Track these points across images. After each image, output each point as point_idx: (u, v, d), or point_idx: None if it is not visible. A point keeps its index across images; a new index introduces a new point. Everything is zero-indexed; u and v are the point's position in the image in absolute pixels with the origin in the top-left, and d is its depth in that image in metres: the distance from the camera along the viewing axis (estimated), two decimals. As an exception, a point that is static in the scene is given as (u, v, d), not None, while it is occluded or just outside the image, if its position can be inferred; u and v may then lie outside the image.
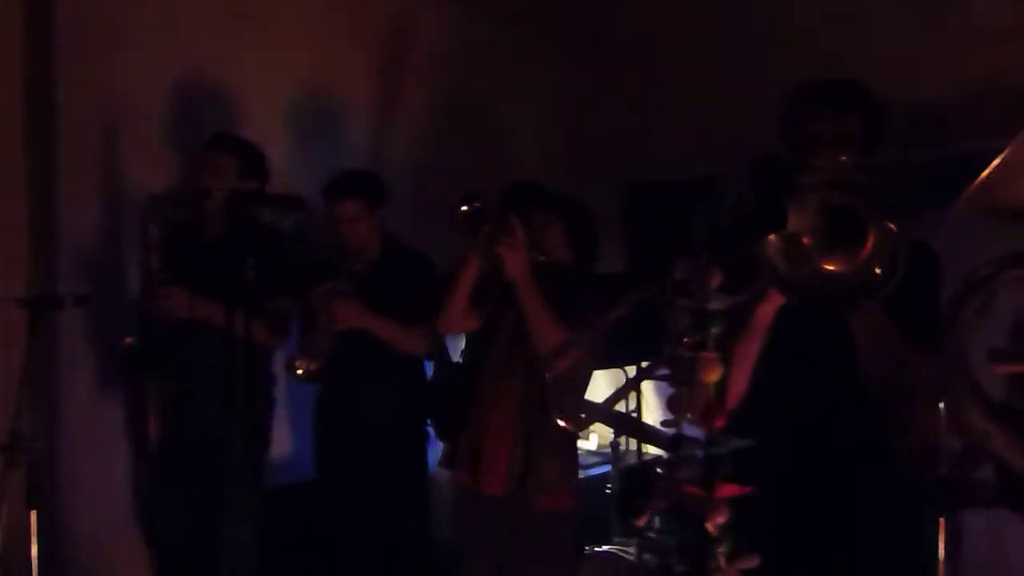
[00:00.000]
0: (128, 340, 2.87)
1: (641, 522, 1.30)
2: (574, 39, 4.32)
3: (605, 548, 2.80)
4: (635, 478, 1.30)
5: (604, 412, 2.85)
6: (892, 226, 1.43)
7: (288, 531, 3.19)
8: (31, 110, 3.10)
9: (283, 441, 3.48)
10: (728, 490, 1.24)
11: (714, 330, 1.28)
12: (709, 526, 1.25)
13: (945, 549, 2.48)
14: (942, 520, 2.47)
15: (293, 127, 3.61)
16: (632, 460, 3.12)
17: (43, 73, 3.09)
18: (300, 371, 2.94)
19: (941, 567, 2.47)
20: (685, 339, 1.29)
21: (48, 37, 3.08)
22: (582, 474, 3.40)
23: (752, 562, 1.25)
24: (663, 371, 1.32)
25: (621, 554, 2.72)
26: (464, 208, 2.59)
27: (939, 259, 1.78)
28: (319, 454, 3.24)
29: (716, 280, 1.29)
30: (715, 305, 1.28)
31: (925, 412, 1.89)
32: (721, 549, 1.26)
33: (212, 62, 3.38)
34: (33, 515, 2.44)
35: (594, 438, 3.87)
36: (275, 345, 3.05)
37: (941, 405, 2.63)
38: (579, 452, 3.64)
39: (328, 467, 3.22)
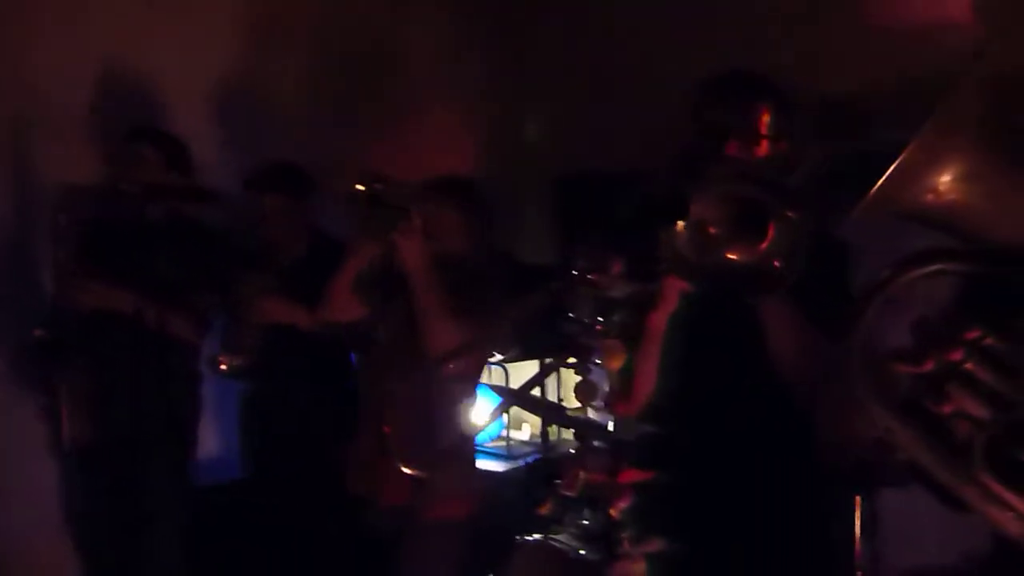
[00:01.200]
0: (37, 333, 2.78)
1: (543, 510, 1.31)
2: (500, 30, 4.31)
3: (535, 537, 2.82)
4: (543, 468, 1.31)
5: (520, 399, 2.81)
6: (792, 215, 1.45)
7: (220, 531, 3.13)
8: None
9: (213, 440, 3.42)
10: (631, 476, 1.25)
11: (617, 317, 1.29)
12: (612, 511, 1.26)
13: (861, 527, 2.55)
14: (858, 499, 2.55)
15: (216, 118, 3.54)
16: (564, 449, 3.16)
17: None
18: (224, 367, 2.89)
19: (858, 545, 2.54)
20: (589, 326, 1.29)
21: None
22: (514, 464, 3.44)
23: (656, 545, 1.27)
24: (570, 359, 1.32)
25: (552, 543, 2.74)
26: (360, 188, 2.42)
27: (847, 251, 1.81)
28: (247, 452, 3.19)
29: (617, 268, 1.29)
30: (617, 292, 1.28)
31: (841, 396, 1.93)
32: (625, 533, 1.27)
33: (128, 52, 3.29)
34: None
35: (526, 428, 3.88)
36: (194, 340, 2.98)
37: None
38: (512, 443, 3.69)
39: (258, 465, 3.17)
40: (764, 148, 1.81)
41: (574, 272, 1.26)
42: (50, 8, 3.10)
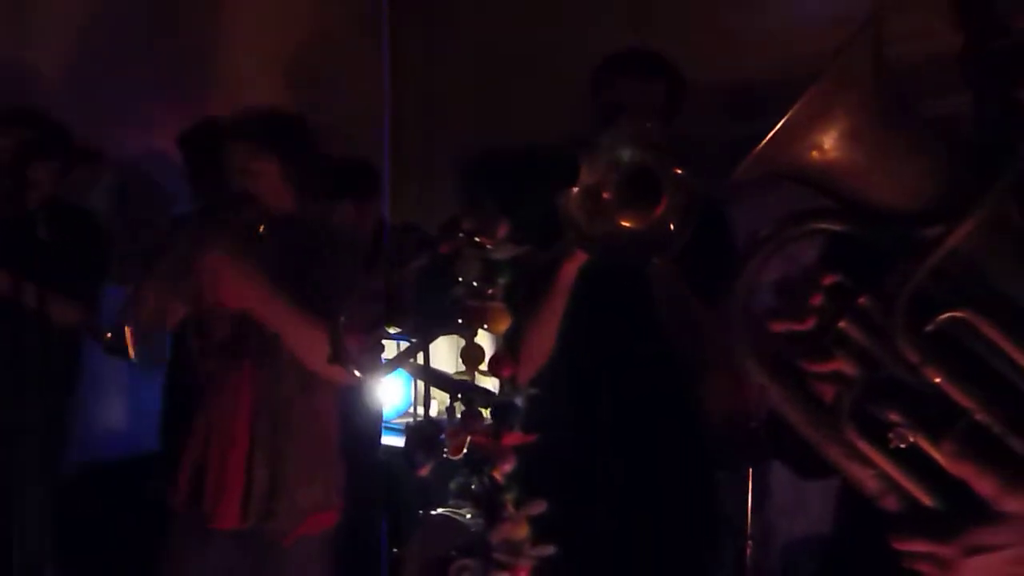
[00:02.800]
0: None
1: (423, 472, 1.30)
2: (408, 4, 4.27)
3: (439, 511, 2.81)
4: (423, 431, 1.29)
5: (399, 367, 2.74)
6: (683, 182, 1.47)
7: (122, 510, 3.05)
8: None
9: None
10: (514, 439, 1.25)
11: (503, 280, 1.28)
12: (496, 474, 1.26)
13: (753, 500, 2.63)
14: (751, 472, 2.63)
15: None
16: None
17: None
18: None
19: (749, 517, 2.63)
20: (475, 289, 1.29)
21: None
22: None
23: (539, 507, 1.27)
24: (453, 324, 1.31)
25: (454, 516, 2.74)
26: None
27: (728, 219, 1.85)
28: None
29: (503, 229, 1.29)
30: (503, 254, 1.28)
31: (730, 367, 1.97)
32: (509, 496, 1.27)
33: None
34: None
35: (434, 404, 3.87)
36: (75, 324, 2.86)
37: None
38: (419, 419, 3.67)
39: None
40: (650, 121, 1.83)
41: (460, 234, 1.24)
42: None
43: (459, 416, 1.28)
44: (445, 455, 1.27)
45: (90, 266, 2.87)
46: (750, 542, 2.66)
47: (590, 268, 1.66)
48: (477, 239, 1.25)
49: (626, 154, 1.47)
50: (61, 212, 2.83)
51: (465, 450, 1.30)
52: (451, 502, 2.82)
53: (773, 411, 1.05)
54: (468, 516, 2.42)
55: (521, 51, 3.86)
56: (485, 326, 1.26)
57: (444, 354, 3.53)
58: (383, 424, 3.42)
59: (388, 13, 4.25)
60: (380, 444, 3.40)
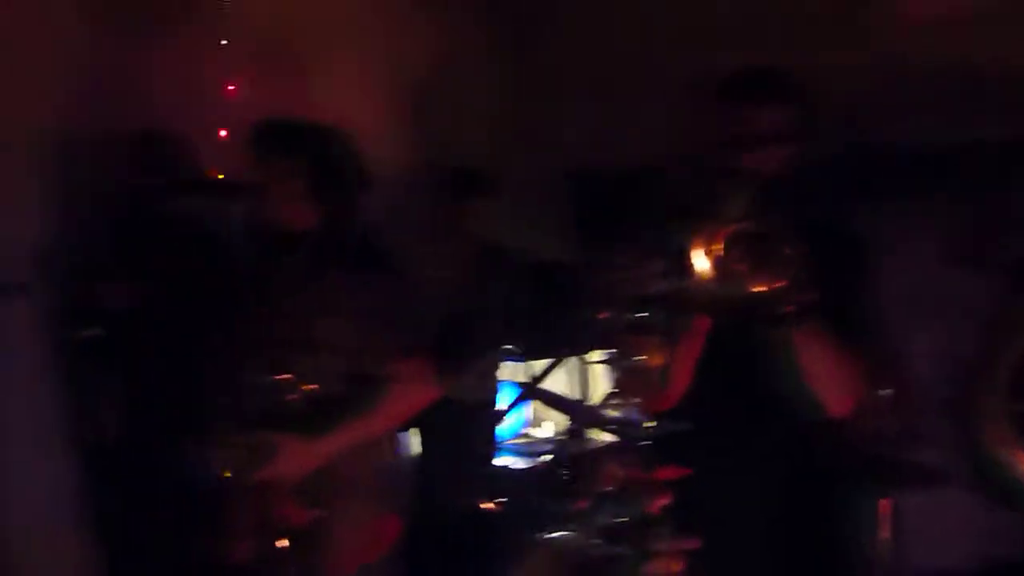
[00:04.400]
0: (81, 333, 2.81)
1: (582, 505, 1.31)
2: (516, 24, 4.30)
3: (553, 535, 2.81)
4: (576, 464, 1.30)
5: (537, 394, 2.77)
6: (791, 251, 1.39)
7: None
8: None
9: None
10: (668, 473, 1.25)
11: (656, 314, 1.28)
12: (651, 508, 1.25)
13: (882, 529, 2.55)
14: (880, 501, 2.55)
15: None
16: (585, 446, 3.14)
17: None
18: None
19: (882, 546, 2.54)
20: (628, 323, 1.29)
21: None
22: (536, 461, 3.43)
23: (694, 543, 1.27)
24: (609, 355, 1.32)
25: (569, 541, 2.73)
26: None
27: (865, 250, 1.77)
28: None
29: (659, 265, 1.29)
30: (656, 289, 1.28)
31: (869, 403, 1.92)
32: (664, 530, 1.27)
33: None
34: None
35: (548, 426, 3.88)
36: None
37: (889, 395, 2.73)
38: (533, 440, 3.68)
39: None
40: (777, 150, 1.72)
41: (615, 267, 1.25)
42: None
43: (610, 448, 1.28)
44: (598, 487, 1.27)
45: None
46: (883, 572, 2.58)
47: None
48: (632, 273, 1.25)
49: (745, 220, 1.39)
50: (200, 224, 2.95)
51: (616, 483, 1.30)
52: (569, 525, 2.81)
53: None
54: (590, 541, 2.41)
55: (633, 72, 3.86)
56: (642, 358, 1.26)
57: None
58: (499, 444, 3.44)
59: (497, 36, 4.31)
60: (493, 464, 3.42)
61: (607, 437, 1.75)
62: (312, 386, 2.14)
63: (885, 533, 2.53)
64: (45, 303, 3.01)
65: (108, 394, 2.83)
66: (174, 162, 2.91)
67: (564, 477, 1.38)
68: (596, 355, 1.67)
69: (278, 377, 2.14)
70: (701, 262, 1.33)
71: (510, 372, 3.45)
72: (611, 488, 1.25)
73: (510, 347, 3.30)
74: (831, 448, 1.92)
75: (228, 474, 2.16)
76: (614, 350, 1.28)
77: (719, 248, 1.34)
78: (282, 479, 2.09)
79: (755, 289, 1.37)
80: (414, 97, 4.00)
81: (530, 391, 3.05)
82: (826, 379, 1.63)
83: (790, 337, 1.54)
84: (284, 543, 2.11)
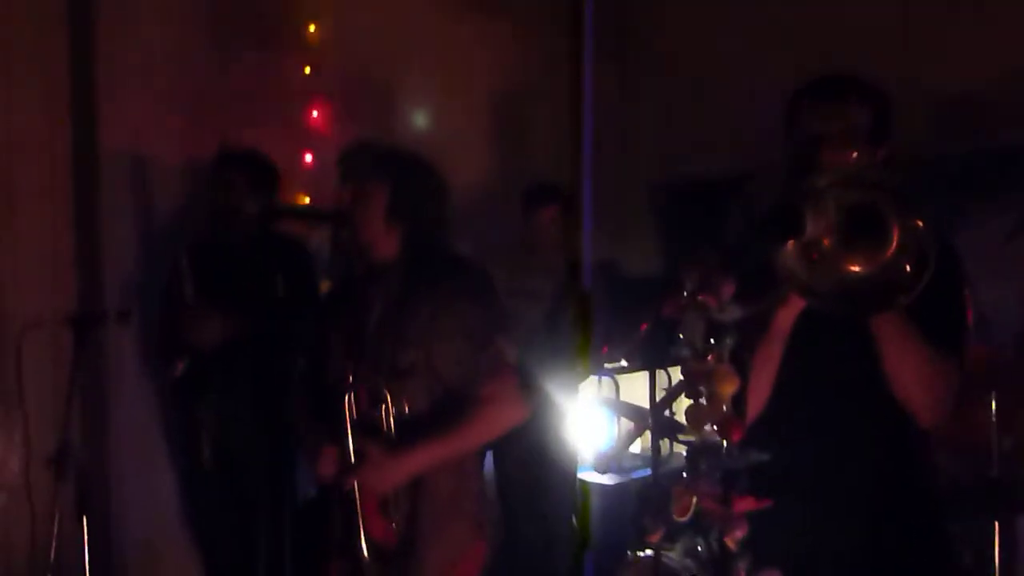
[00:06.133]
0: (178, 367, 2.89)
1: (654, 539, 1.28)
2: (600, 36, 4.28)
3: (648, 553, 2.76)
4: (651, 492, 1.27)
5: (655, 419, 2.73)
6: (919, 222, 1.38)
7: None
8: (75, 130, 3.19)
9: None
10: (746, 504, 1.21)
11: (729, 341, 1.25)
12: (728, 541, 1.22)
13: (1000, 554, 2.40)
14: (996, 525, 2.40)
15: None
16: (674, 464, 3.08)
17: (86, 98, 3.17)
18: None
19: (997, 573, 2.39)
20: (700, 350, 1.26)
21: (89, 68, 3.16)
22: (624, 478, 3.39)
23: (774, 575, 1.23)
24: (679, 384, 1.29)
25: (663, 559, 2.69)
26: None
27: (960, 259, 1.71)
28: None
29: (730, 290, 1.26)
30: (729, 316, 1.25)
31: (968, 414, 1.82)
32: (742, 564, 1.23)
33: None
34: (84, 522, 2.50)
35: (637, 441, 3.83)
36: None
37: (992, 404, 2.56)
38: (623, 457, 3.62)
39: None
40: (862, 153, 1.71)
41: (684, 293, 1.23)
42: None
43: (686, 476, 1.26)
44: (674, 517, 1.24)
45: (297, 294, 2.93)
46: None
47: (806, 315, 1.58)
48: (701, 299, 1.22)
49: (849, 196, 1.39)
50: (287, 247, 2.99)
51: (692, 512, 1.27)
52: (659, 544, 2.77)
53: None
54: (678, 560, 2.36)
55: (717, 82, 3.80)
56: (713, 388, 1.23)
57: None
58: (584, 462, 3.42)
59: (588, 49, 4.31)
60: (576, 480, 3.39)
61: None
62: (402, 406, 2.15)
63: (1000, 565, 2.39)
64: (144, 331, 3.15)
65: (202, 421, 2.91)
66: (262, 188, 2.96)
67: (641, 507, 1.35)
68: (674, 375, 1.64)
69: (368, 397, 2.17)
70: (788, 248, 1.32)
71: (598, 388, 3.42)
72: (685, 519, 1.22)
73: (594, 362, 3.28)
74: (933, 468, 1.83)
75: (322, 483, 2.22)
76: (684, 379, 1.25)
77: (813, 229, 1.32)
78: (370, 490, 2.12)
79: (856, 269, 1.36)
80: (501, 114, 4.04)
81: (619, 407, 3.02)
82: (911, 378, 1.57)
83: (881, 331, 1.50)
84: (371, 559, 2.14)
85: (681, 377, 1.30)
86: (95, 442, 3.15)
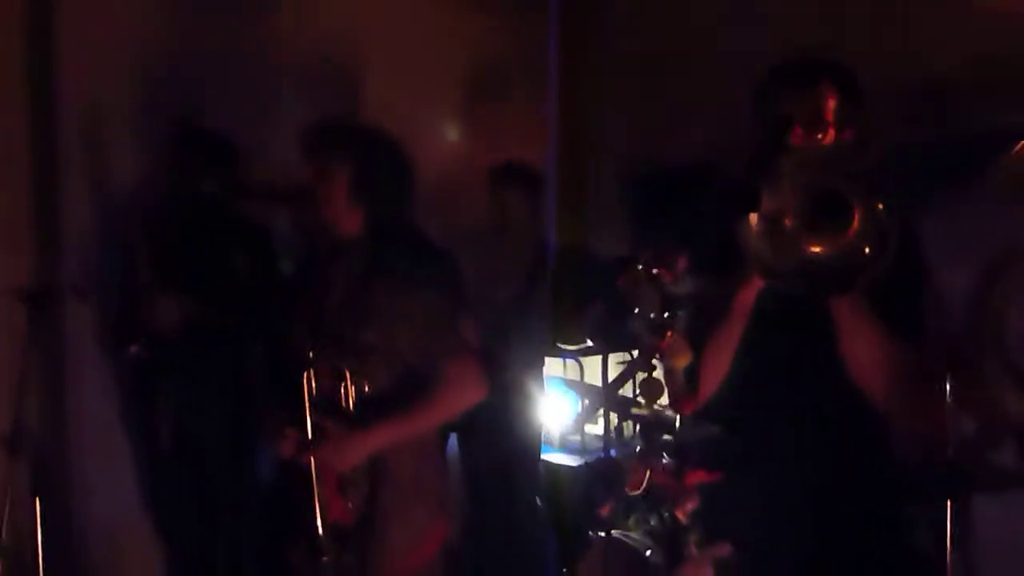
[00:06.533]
0: (132, 350, 2.84)
1: (604, 511, 1.29)
2: (571, 23, 4.27)
3: (611, 534, 2.78)
4: (603, 467, 1.28)
5: (608, 398, 2.77)
6: (880, 205, 1.39)
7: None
8: (32, 104, 3.12)
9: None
10: (697, 477, 1.21)
11: (682, 313, 1.25)
12: (679, 513, 1.22)
13: (952, 538, 2.41)
14: (950, 506, 2.41)
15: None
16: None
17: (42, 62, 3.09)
18: None
19: (949, 556, 2.40)
20: (655, 324, 1.26)
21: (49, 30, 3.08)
22: (588, 458, 3.40)
23: (724, 550, 1.23)
24: (633, 356, 1.29)
25: (624, 540, 2.70)
26: None
27: (921, 243, 1.72)
28: None
29: (683, 262, 1.26)
30: (683, 288, 1.25)
31: (923, 396, 1.84)
32: (692, 537, 1.23)
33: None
34: (37, 503, 2.46)
35: (601, 422, 3.85)
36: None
37: (947, 387, 2.58)
38: (586, 437, 3.63)
39: None
40: (829, 136, 1.73)
41: (639, 267, 1.22)
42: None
43: (639, 451, 1.26)
44: (627, 491, 1.24)
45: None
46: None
47: (767, 295, 1.59)
48: (655, 272, 1.22)
49: (811, 177, 1.40)
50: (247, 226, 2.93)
51: (645, 486, 1.27)
52: (621, 525, 2.79)
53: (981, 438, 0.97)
54: (638, 540, 2.38)
55: (685, 64, 3.80)
56: (664, 360, 1.23)
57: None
58: (547, 442, 3.42)
59: (556, 33, 4.29)
60: (541, 461, 3.39)
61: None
62: (363, 385, 2.13)
63: (955, 546, 2.40)
64: (101, 311, 3.09)
65: (160, 404, 2.86)
66: (221, 166, 2.90)
67: (598, 481, 1.36)
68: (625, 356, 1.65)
69: (328, 376, 2.16)
70: (751, 225, 1.33)
71: (557, 368, 3.42)
72: (639, 492, 1.22)
73: (557, 344, 3.28)
74: (889, 449, 1.85)
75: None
76: (638, 352, 1.25)
77: (772, 205, 1.33)
78: (329, 469, 2.10)
79: (816, 249, 1.37)
80: (468, 96, 4.02)
81: (581, 388, 3.02)
82: (866, 360, 1.58)
83: (840, 313, 1.51)
84: (329, 538, 2.13)
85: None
86: (52, 423, 3.09)
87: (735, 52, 3.41)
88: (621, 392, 2.81)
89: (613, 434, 2.46)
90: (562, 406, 3.35)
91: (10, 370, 2.67)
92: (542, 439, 3.33)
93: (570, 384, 3.23)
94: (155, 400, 2.89)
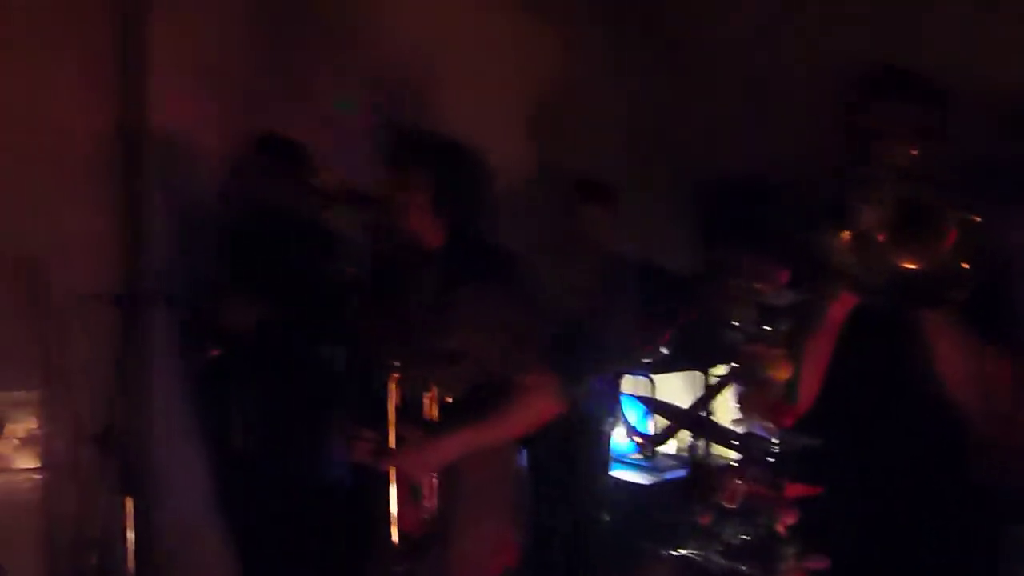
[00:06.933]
0: (211, 353, 2.91)
1: (705, 521, 1.28)
2: (645, 35, 4.27)
3: (678, 552, 2.76)
4: (699, 479, 1.28)
5: (686, 418, 2.73)
6: (975, 217, 1.37)
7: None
8: (121, 117, 3.23)
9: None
10: (796, 490, 1.21)
11: (782, 326, 1.25)
12: (778, 527, 1.22)
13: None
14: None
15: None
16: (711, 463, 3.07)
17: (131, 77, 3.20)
18: None
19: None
20: (753, 336, 1.26)
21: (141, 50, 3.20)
22: (659, 477, 3.38)
23: (822, 563, 1.22)
24: (733, 369, 1.30)
25: (693, 558, 2.68)
26: None
27: (1016, 257, 1.68)
28: None
29: (784, 276, 1.26)
30: (783, 301, 1.25)
31: (1017, 414, 1.79)
32: (791, 550, 1.23)
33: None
34: (128, 502, 2.53)
35: (672, 442, 3.82)
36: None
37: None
38: (657, 456, 3.61)
39: None
40: (919, 148, 1.70)
41: (738, 280, 1.23)
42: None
43: (735, 463, 1.26)
44: (723, 503, 1.25)
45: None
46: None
47: (861, 310, 1.57)
48: (756, 285, 1.22)
49: (905, 190, 1.38)
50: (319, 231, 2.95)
51: (740, 500, 1.27)
52: (690, 542, 2.76)
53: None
54: (711, 559, 2.35)
55: (762, 76, 3.77)
56: (767, 373, 1.23)
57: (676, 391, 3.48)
58: (617, 459, 3.41)
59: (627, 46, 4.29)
60: (609, 478, 3.38)
61: (733, 454, 1.71)
62: (440, 394, 2.16)
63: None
64: (183, 315, 3.17)
65: (237, 407, 2.89)
66: (297, 173, 2.90)
67: (689, 492, 1.35)
68: (720, 369, 1.64)
69: (408, 384, 2.18)
70: (840, 241, 1.32)
71: (632, 386, 3.42)
72: (735, 505, 1.22)
73: (633, 360, 3.27)
74: (988, 470, 1.81)
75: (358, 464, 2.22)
76: (738, 364, 1.25)
77: (861, 224, 1.32)
78: (404, 477, 2.12)
79: (910, 264, 1.35)
80: (542, 108, 4.04)
81: (654, 405, 3.00)
82: (963, 376, 1.55)
83: (934, 328, 1.48)
84: (402, 548, 2.15)
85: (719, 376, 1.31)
86: (139, 423, 3.18)
87: (815, 65, 3.37)
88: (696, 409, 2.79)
89: (697, 450, 2.43)
90: (634, 423, 3.33)
91: (101, 373, 2.77)
92: (611, 455, 3.33)
93: (643, 401, 3.22)
94: (232, 402, 2.95)
